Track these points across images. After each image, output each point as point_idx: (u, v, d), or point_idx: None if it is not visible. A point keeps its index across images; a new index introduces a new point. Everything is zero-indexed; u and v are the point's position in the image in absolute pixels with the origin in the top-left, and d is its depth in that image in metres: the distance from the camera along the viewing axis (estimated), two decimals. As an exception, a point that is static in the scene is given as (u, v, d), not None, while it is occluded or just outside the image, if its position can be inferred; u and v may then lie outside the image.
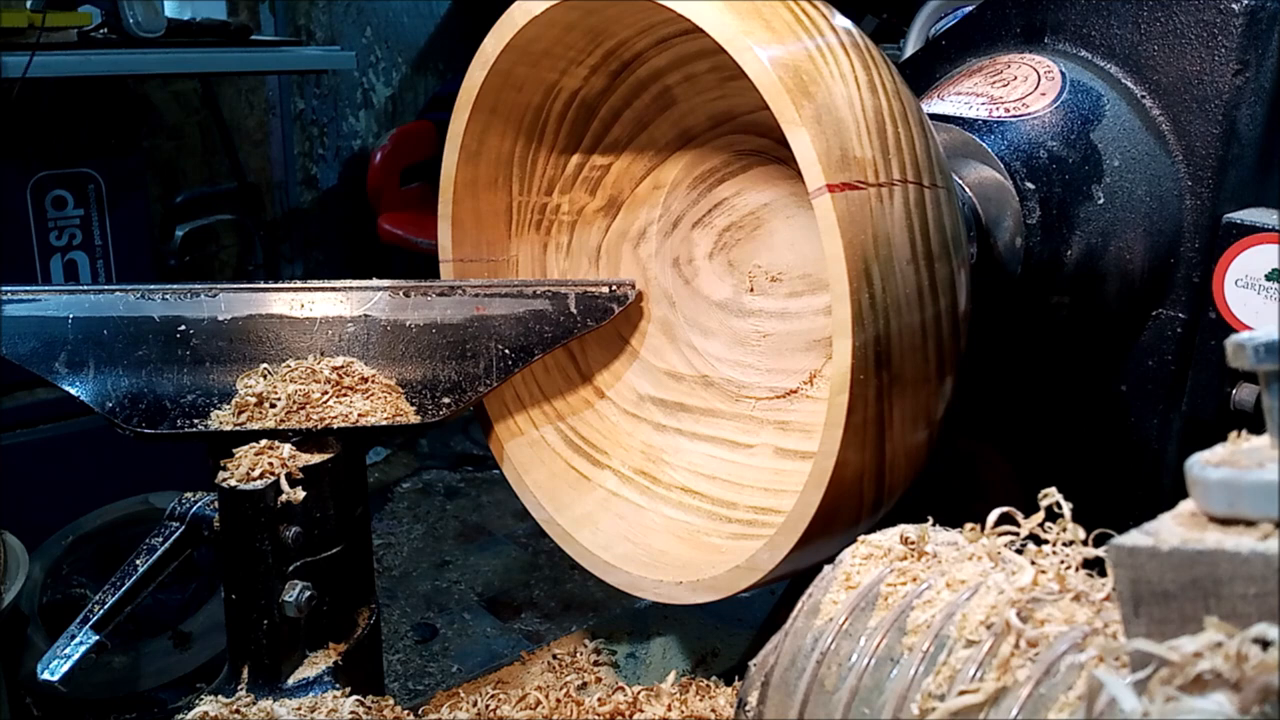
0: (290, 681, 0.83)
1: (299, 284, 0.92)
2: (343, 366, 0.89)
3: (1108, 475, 0.96)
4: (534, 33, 0.88)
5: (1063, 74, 0.93)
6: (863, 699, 0.52)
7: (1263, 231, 0.84)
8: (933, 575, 0.55)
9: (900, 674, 0.51)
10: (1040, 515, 0.56)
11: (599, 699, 0.93)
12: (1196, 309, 0.90)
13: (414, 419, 0.89)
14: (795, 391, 0.95)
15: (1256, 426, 0.42)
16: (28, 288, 0.88)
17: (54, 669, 0.78)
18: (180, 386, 0.87)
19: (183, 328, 0.88)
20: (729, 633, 1.15)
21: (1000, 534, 0.57)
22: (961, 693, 0.48)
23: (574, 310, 0.95)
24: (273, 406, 0.85)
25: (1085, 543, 0.55)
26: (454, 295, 0.94)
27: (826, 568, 0.60)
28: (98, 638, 0.81)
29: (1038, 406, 1.00)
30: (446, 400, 0.91)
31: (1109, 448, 0.96)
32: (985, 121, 0.91)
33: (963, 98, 0.94)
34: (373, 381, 0.89)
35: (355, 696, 0.82)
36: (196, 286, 0.90)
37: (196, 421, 0.86)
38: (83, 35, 2.01)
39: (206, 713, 0.78)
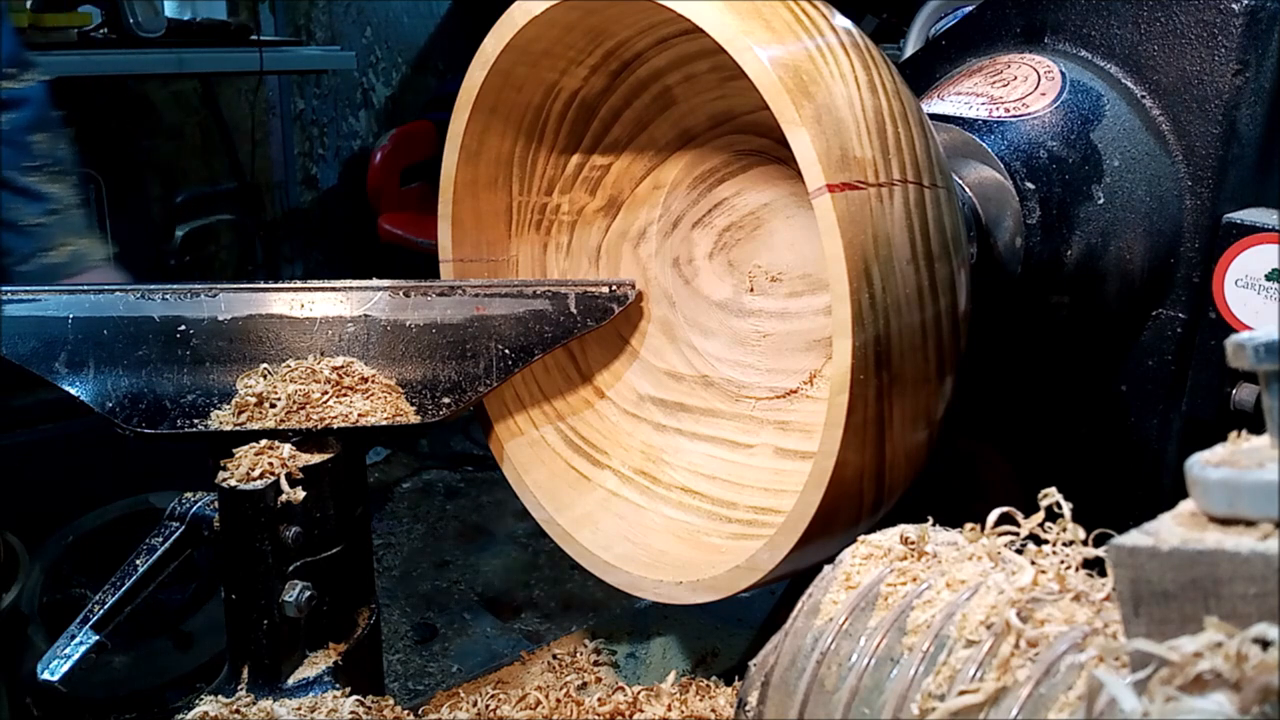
0: (290, 681, 0.82)
1: (299, 284, 0.92)
2: (343, 366, 0.89)
3: (1108, 475, 0.96)
4: (534, 33, 0.88)
5: (1063, 74, 0.93)
6: (863, 699, 0.52)
7: (1263, 231, 0.84)
8: (933, 575, 0.55)
9: (900, 674, 0.51)
10: (1040, 515, 0.56)
11: (599, 699, 0.93)
12: (1196, 309, 0.90)
13: (414, 419, 0.89)
14: (795, 391, 0.95)
15: (1256, 426, 0.42)
16: (28, 288, 0.88)
17: (54, 669, 0.78)
18: (180, 386, 0.87)
19: (183, 328, 0.88)
20: (729, 633, 1.15)
21: (1000, 534, 0.57)
22: (961, 693, 0.48)
23: (574, 310, 0.95)
24: (273, 406, 0.85)
25: (1085, 543, 0.55)
26: (454, 295, 0.94)
27: (826, 568, 0.60)
28: (98, 638, 0.81)
29: (1038, 406, 1.00)
30: (446, 400, 0.91)
31: (1109, 448, 0.96)
32: (985, 121, 0.91)
33: (963, 98, 0.94)
34: (373, 381, 0.89)
35: (355, 696, 0.82)
36: (196, 286, 0.90)
37: (196, 421, 0.86)
38: (83, 35, 2.01)
39: (206, 713, 0.78)
